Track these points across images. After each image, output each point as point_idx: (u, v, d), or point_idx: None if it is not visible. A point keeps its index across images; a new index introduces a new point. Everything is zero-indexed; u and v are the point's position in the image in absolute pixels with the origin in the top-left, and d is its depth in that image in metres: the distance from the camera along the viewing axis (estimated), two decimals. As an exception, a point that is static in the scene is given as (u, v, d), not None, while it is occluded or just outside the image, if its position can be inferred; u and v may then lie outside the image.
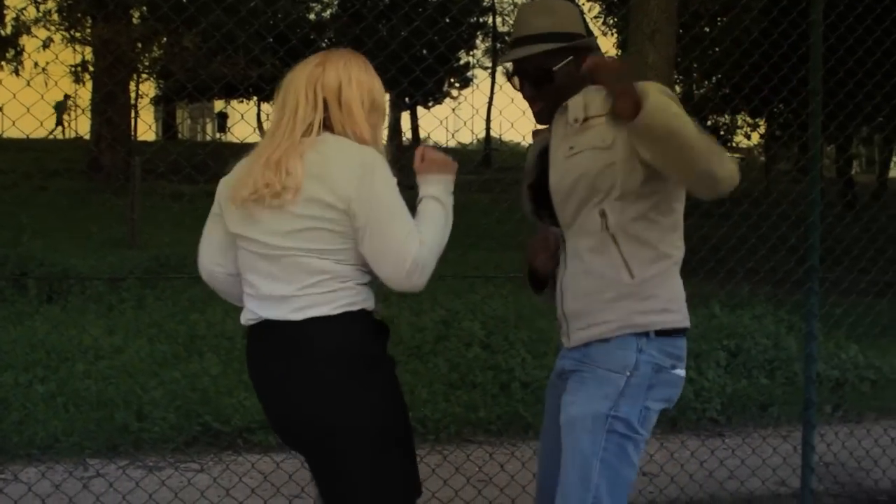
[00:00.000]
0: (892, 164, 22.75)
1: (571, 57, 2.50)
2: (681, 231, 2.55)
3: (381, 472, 2.43)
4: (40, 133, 3.96)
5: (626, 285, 2.43)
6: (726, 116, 19.45)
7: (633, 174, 2.41)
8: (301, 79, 2.47)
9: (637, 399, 2.42)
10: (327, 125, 2.45)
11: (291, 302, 2.38)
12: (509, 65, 2.62)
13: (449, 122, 5.27)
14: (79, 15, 18.78)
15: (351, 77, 2.47)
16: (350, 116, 2.44)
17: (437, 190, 2.46)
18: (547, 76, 2.50)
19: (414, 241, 2.33)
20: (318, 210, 2.34)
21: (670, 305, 2.47)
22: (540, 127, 2.66)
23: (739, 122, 20.98)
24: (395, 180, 2.40)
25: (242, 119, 3.77)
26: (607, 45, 22.93)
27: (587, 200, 2.45)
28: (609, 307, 2.45)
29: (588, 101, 2.48)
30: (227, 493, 4.30)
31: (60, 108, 23.94)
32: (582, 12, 2.64)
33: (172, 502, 4.23)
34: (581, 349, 2.53)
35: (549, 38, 2.49)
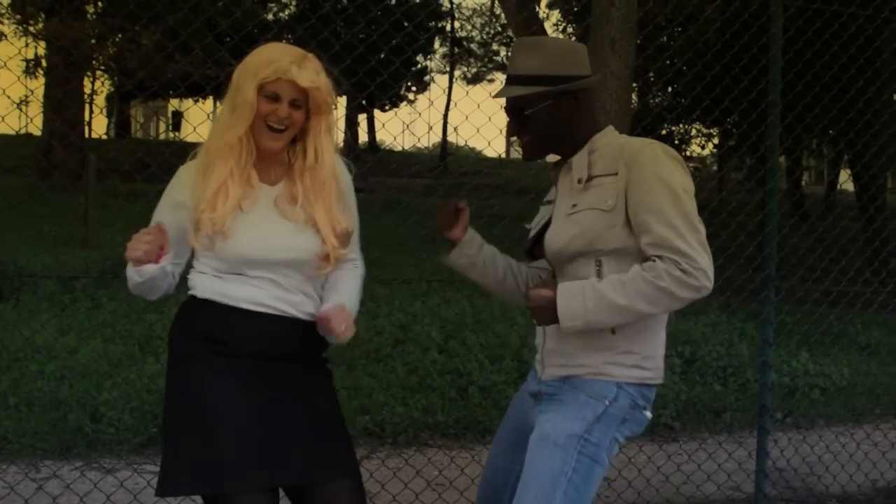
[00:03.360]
0: (846, 177, 23.21)
1: (551, 101, 2.50)
2: None
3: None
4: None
5: (606, 339, 2.45)
6: (681, 126, 19.68)
7: (633, 236, 2.41)
8: None
9: (610, 429, 2.44)
10: None
11: None
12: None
13: (408, 124, 5.28)
14: (32, 9, 18.49)
15: None
16: None
17: None
18: (522, 118, 2.53)
19: None
20: None
21: (644, 363, 2.48)
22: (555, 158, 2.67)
23: (694, 133, 21.23)
24: (166, 191, 2.55)
25: (209, 118, 3.75)
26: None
27: (583, 255, 2.46)
28: (586, 354, 2.47)
29: (594, 160, 2.49)
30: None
31: None
32: (579, 51, 2.60)
33: (130, 504, 4.18)
34: (559, 379, 2.53)
35: (529, 81, 2.50)
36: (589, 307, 2.34)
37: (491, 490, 2.70)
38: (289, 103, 2.47)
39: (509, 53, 2.63)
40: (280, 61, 2.44)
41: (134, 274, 2.41)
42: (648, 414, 2.53)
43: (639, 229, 2.38)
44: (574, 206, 2.48)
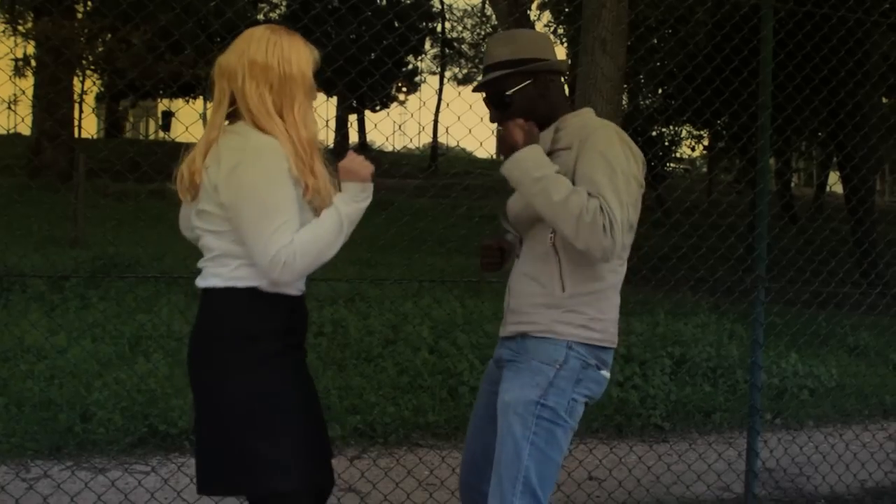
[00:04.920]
0: (836, 180, 23.32)
1: (529, 81, 2.69)
2: (625, 255, 2.70)
3: (240, 451, 2.44)
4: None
5: (556, 296, 2.61)
6: (672, 127, 19.73)
7: None
8: (216, 66, 2.54)
9: (565, 391, 2.59)
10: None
11: (202, 273, 2.55)
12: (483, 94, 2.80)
13: (399, 124, 5.29)
14: (21, 8, 18.44)
15: (247, 62, 2.48)
16: (244, 104, 2.47)
17: (339, 198, 2.52)
18: (503, 100, 2.70)
19: (281, 236, 2.37)
20: (207, 196, 2.47)
21: (591, 324, 2.62)
22: None
23: (684, 134, 21.29)
24: (277, 170, 2.40)
25: (200, 119, 3.76)
26: (558, 54, 23.04)
27: (539, 221, 2.62)
28: (538, 311, 2.64)
29: (558, 138, 2.66)
30: (177, 495, 4.25)
31: None
32: (547, 39, 2.83)
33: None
34: (517, 340, 2.69)
35: (506, 66, 2.70)
36: (534, 176, 2.49)
37: (474, 469, 2.84)
38: None
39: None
40: (313, 50, 2.58)
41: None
42: (605, 374, 2.68)
43: None
44: None
